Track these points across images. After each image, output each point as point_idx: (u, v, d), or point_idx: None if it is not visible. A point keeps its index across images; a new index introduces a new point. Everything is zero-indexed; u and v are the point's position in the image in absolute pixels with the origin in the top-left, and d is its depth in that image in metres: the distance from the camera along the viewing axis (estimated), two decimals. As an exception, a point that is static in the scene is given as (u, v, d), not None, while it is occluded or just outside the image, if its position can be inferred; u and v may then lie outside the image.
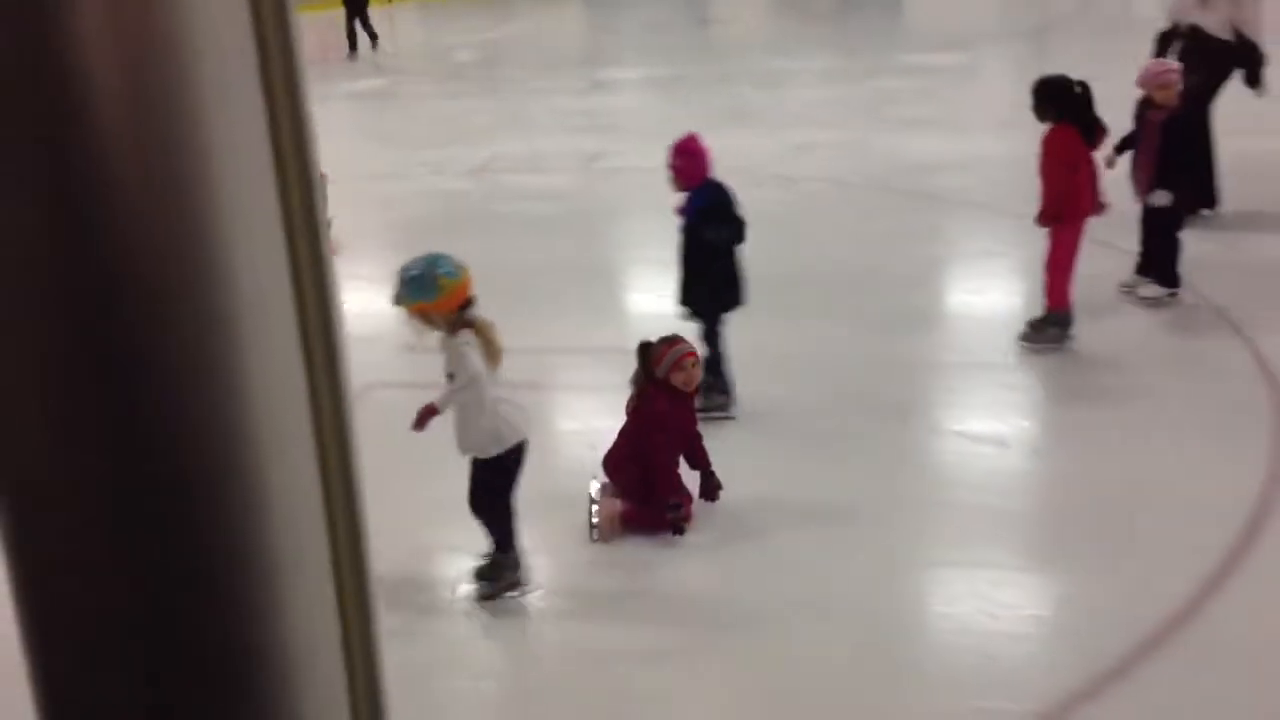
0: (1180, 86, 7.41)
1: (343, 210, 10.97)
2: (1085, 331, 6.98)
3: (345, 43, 19.62)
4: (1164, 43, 9.15)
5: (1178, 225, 7.50)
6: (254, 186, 0.74)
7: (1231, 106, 9.12)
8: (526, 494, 4.85)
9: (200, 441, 0.74)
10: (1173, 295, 7.43)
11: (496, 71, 18.85)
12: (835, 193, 10.83)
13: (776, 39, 19.23)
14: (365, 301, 8.69)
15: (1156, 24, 9.38)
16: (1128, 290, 7.56)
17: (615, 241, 10.23)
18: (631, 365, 5.40)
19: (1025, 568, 5.00)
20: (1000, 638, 4.45)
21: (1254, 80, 8.98)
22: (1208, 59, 8.87)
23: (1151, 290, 7.48)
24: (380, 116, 15.88)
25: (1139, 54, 8.83)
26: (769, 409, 6.38)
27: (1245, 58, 9.00)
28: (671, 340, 5.32)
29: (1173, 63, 7.88)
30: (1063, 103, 6.81)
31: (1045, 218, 6.88)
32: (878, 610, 4.65)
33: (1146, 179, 7.40)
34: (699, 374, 5.37)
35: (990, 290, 8.28)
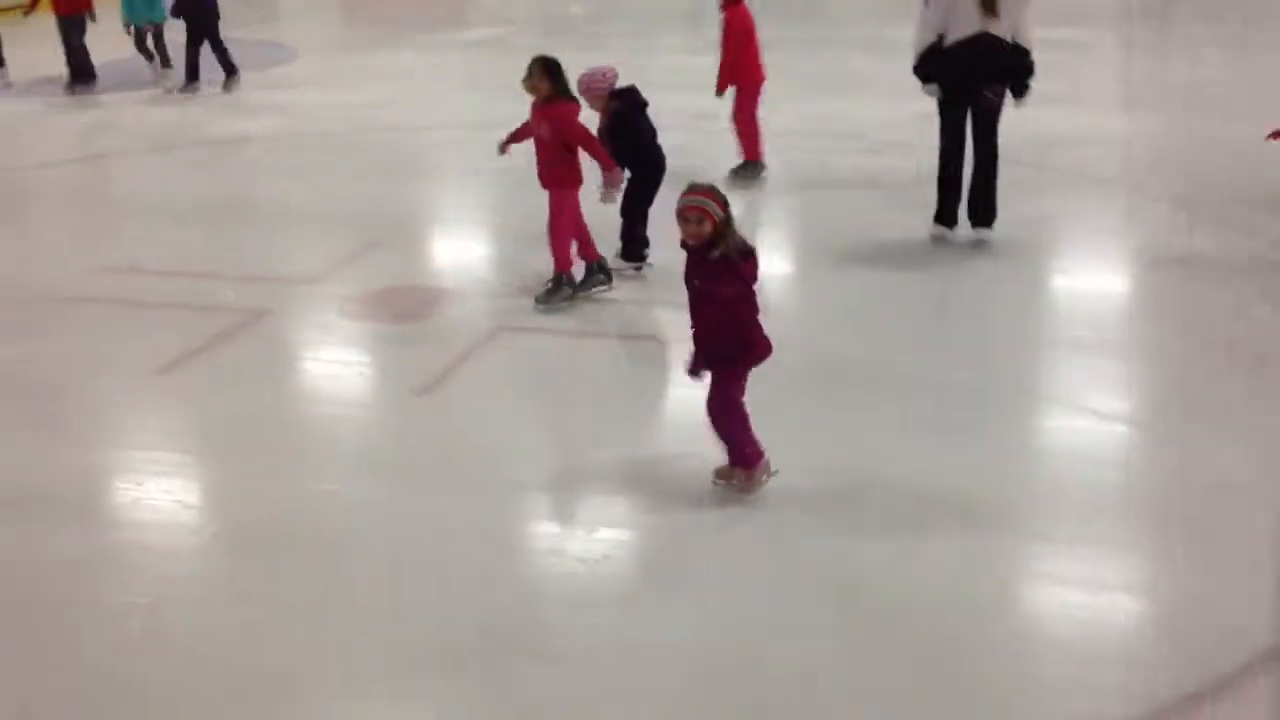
0: None
1: (464, 158, 11.21)
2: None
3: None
4: None
5: None
6: None
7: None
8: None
9: None
10: None
11: (608, 27, 18.84)
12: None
13: (883, 6, 18.91)
14: (488, 250, 8.84)
15: None
16: None
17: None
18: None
19: (1138, 553, 4.97)
20: (1106, 628, 4.44)
21: None
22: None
23: None
24: (494, 67, 15.91)
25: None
26: (898, 374, 6.46)
27: None
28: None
29: None
30: None
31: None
32: (978, 593, 4.64)
33: None
34: (693, 229, 4.96)
35: (1111, 267, 8.23)
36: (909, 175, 9.68)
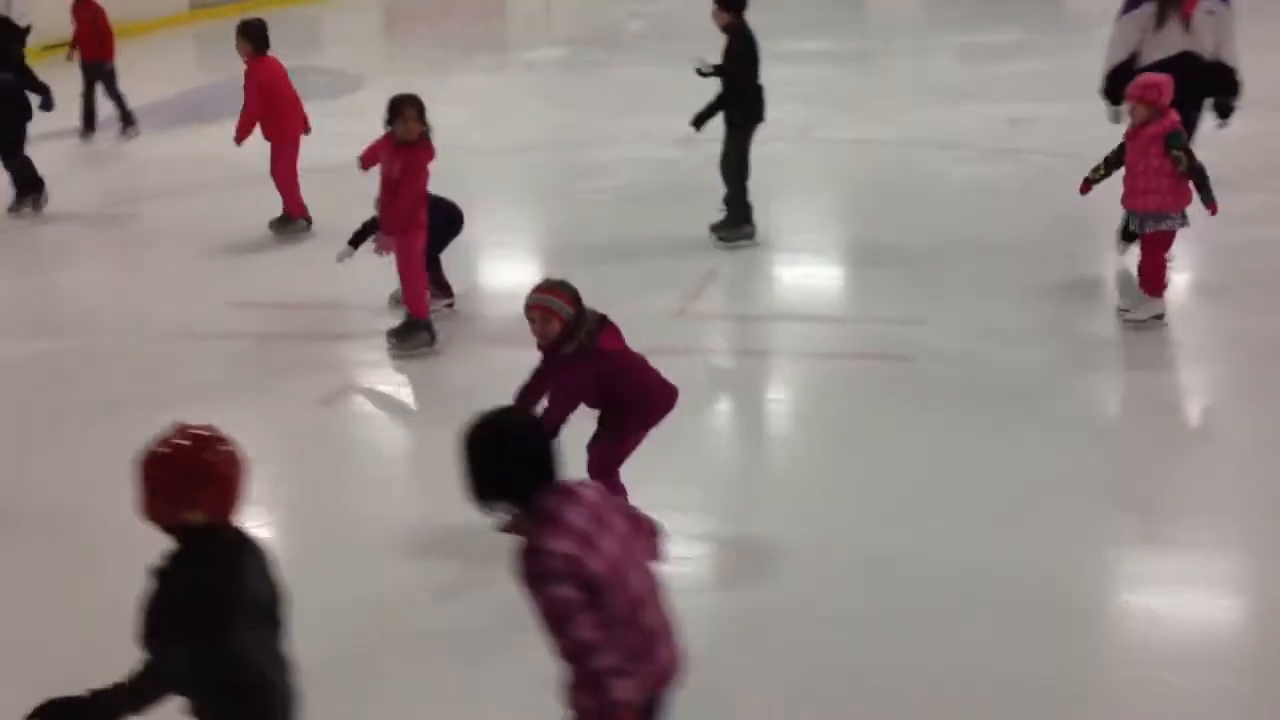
0: None
1: (558, 178, 11.02)
2: None
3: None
4: None
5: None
6: None
7: None
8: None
9: None
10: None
11: (670, 43, 18.58)
12: (1063, 166, 10.46)
13: (962, 12, 18.69)
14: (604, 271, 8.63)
15: None
16: None
17: (836, 211, 10.03)
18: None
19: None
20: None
21: None
22: None
23: None
24: (564, 85, 15.78)
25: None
26: (1001, 375, 6.45)
27: None
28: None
29: None
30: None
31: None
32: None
33: None
34: (539, 329, 4.80)
35: (1218, 266, 7.97)
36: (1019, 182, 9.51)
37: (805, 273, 8.55)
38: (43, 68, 13.55)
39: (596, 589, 2.94)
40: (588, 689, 2.97)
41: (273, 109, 9.40)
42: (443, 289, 7.71)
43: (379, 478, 6.00)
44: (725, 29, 8.62)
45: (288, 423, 6.43)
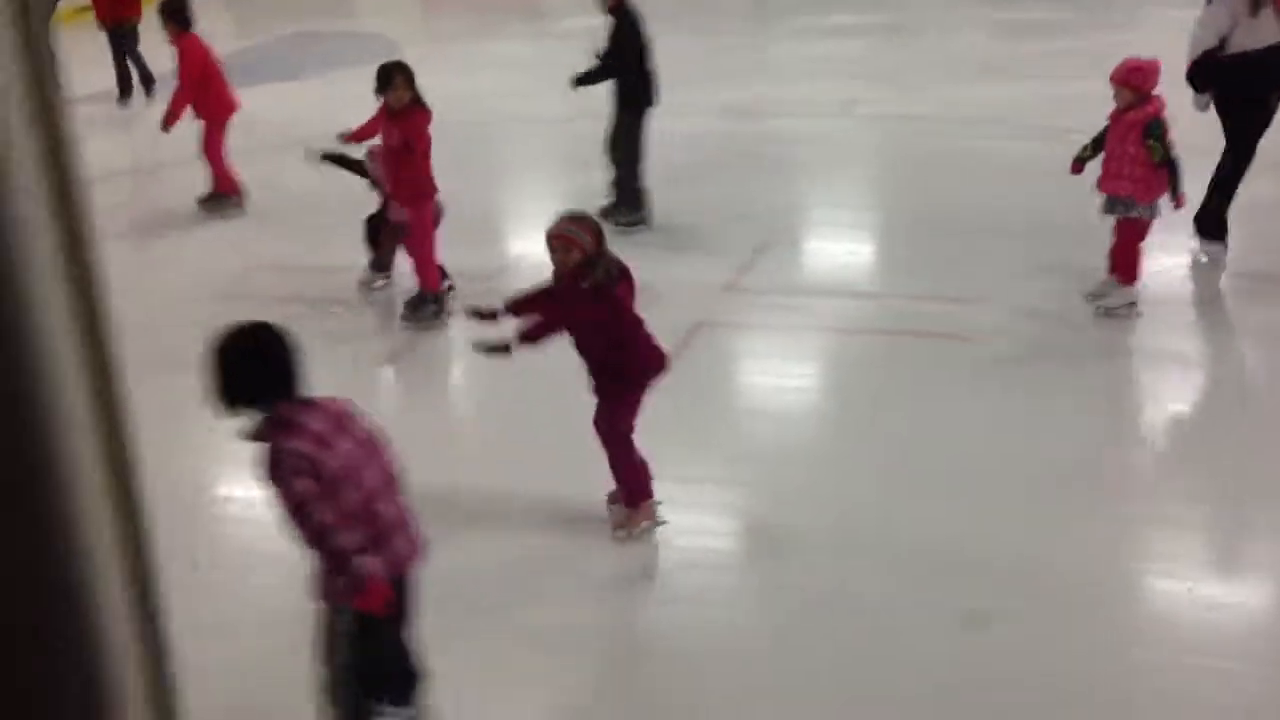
0: None
1: (599, 147, 10.88)
2: None
3: None
4: None
5: None
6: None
7: None
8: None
9: None
10: None
11: (715, 17, 18.49)
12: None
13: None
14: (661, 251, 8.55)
15: None
16: None
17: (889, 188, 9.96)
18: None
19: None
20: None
21: None
22: None
23: None
24: (605, 55, 15.66)
25: None
26: (1050, 355, 6.40)
27: None
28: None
29: None
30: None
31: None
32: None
33: None
34: (559, 258, 4.77)
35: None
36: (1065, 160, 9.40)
37: (853, 248, 8.53)
38: (74, 31, 13.61)
39: (333, 483, 3.30)
40: (335, 569, 3.36)
41: (204, 87, 9.30)
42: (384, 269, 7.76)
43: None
44: (610, 12, 8.43)
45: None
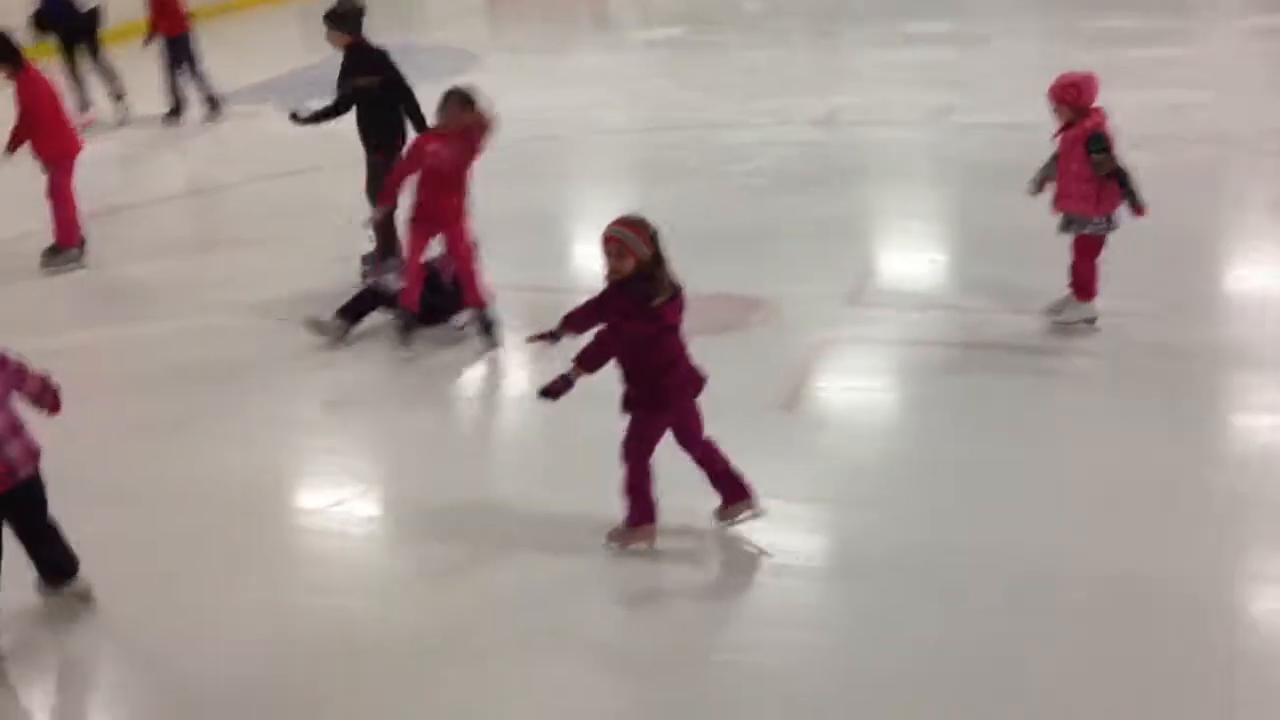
0: None
1: (700, 160, 10.87)
2: None
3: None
4: None
5: None
6: None
7: None
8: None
9: None
10: None
11: (787, 22, 18.37)
12: (1223, 153, 10.15)
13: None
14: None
15: None
16: None
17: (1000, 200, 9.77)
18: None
19: None
20: None
21: None
22: None
23: None
24: (686, 65, 15.59)
25: None
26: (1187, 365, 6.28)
27: None
28: None
29: None
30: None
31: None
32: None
33: None
34: (612, 263, 4.58)
35: None
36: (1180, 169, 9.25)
37: (967, 261, 8.28)
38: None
39: None
40: None
41: (40, 126, 8.53)
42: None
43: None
44: (346, 49, 7.90)
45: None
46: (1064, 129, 6.50)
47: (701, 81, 14.33)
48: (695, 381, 4.77)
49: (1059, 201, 6.61)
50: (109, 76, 13.50)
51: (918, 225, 8.90)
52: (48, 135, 8.58)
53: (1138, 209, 6.43)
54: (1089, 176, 6.38)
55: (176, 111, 13.41)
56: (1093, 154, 6.33)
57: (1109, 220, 6.51)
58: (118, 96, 13.49)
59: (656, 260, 4.51)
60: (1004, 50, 15.05)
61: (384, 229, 7.66)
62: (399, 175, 6.99)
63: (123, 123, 13.39)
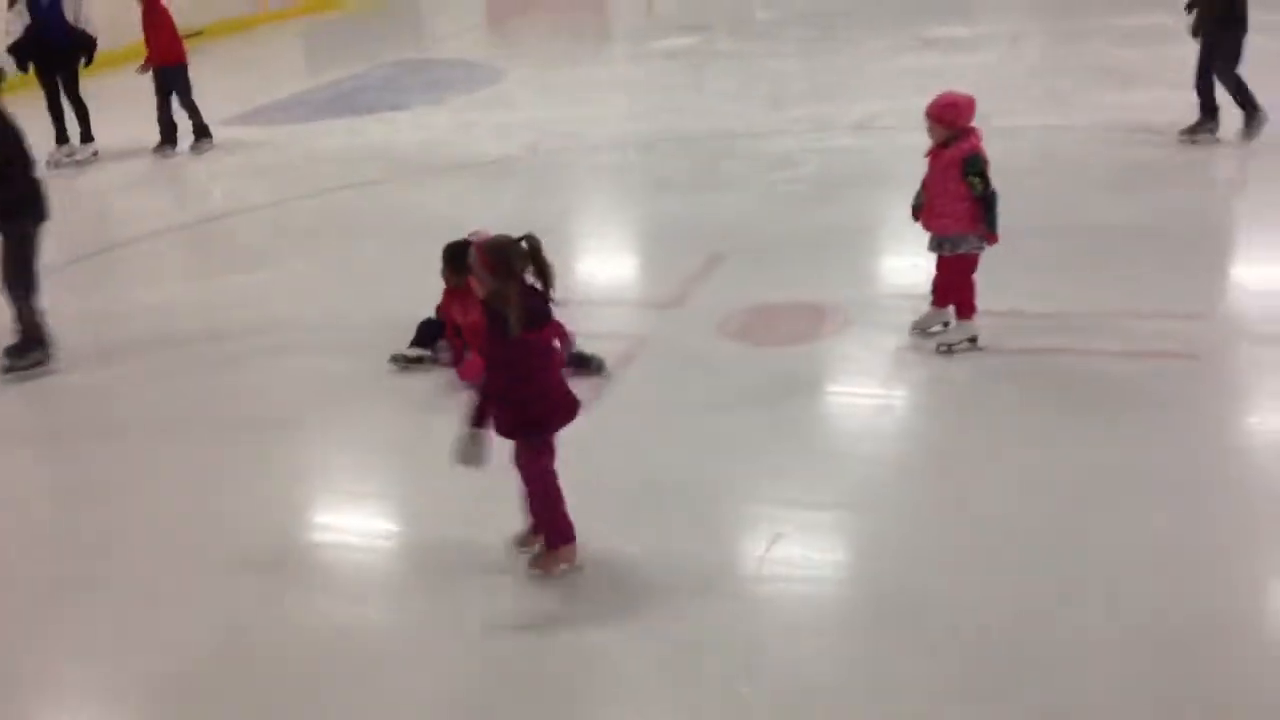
0: None
1: (744, 168, 10.82)
2: None
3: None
4: None
5: None
6: None
7: None
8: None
9: None
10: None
11: (802, 30, 18.38)
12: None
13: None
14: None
15: None
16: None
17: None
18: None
19: None
20: None
21: None
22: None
23: None
24: (712, 75, 15.57)
25: None
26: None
27: None
28: None
29: None
30: None
31: None
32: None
33: None
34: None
35: None
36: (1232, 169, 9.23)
37: (1033, 264, 8.12)
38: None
39: None
40: None
41: None
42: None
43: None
44: None
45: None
46: (940, 148, 6.46)
47: (728, 91, 14.32)
48: (568, 410, 4.60)
49: (932, 221, 6.56)
50: (81, 114, 13.08)
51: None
52: None
53: (990, 237, 6.47)
54: (967, 195, 6.36)
55: (170, 141, 13.14)
56: (969, 176, 6.32)
57: (982, 238, 6.50)
58: (85, 138, 13.13)
59: (503, 285, 4.35)
60: (1035, 51, 15.09)
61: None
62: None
63: (80, 163, 12.95)
